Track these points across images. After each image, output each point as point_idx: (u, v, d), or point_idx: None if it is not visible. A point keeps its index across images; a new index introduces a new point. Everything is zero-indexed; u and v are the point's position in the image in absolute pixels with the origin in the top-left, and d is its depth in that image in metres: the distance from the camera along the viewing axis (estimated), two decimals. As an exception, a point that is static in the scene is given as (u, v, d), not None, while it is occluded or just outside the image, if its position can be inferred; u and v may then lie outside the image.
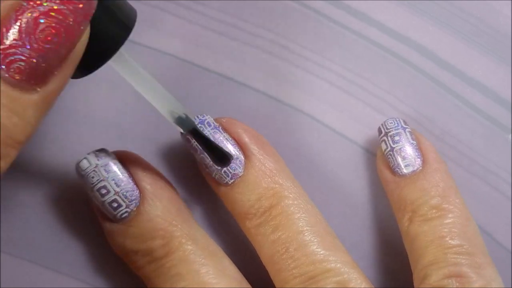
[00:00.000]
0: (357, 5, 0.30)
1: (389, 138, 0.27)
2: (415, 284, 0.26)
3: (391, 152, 0.27)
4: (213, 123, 0.26)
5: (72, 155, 0.29)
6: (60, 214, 0.28)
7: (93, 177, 0.25)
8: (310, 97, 0.30)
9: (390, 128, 0.28)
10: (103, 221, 0.26)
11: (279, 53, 0.30)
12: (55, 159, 0.29)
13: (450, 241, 0.25)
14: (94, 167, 0.25)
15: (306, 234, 0.25)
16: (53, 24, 0.19)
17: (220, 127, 0.26)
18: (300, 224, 0.25)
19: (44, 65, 0.19)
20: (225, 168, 0.25)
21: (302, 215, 0.25)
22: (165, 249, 0.25)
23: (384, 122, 0.28)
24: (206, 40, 0.30)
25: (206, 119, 0.26)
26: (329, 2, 0.30)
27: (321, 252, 0.25)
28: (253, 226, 0.25)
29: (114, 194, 0.25)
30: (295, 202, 0.26)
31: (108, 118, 0.29)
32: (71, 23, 0.19)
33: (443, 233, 0.26)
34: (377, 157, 0.28)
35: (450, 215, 0.26)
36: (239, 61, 0.30)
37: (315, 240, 0.25)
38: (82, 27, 0.20)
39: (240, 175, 0.26)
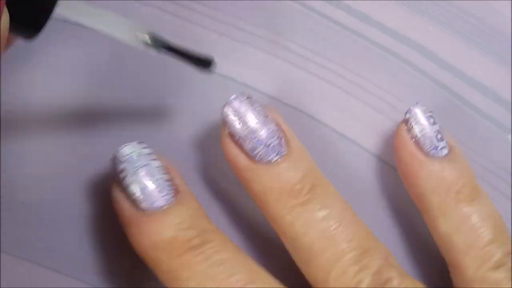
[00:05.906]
0: (357, 5, 0.30)
1: (426, 120, 0.27)
2: (473, 263, 0.26)
3: (430, 134, 0.27)
4: (256, 101, 0.27)
5: (72, 155, 0.29)
6: (60, 214, 0.28)
7: (136, 161, 0.25)
8: (310, 97, 0.30)
9: (425, 109, 0.28)
10: (135, 211, 0.25)
11: (279, 53, 0.30)
12: (55, 159, 0.29)
13: (499, 219, 0.27)
14: (138, 153, 0.25)
15: (352, 211, 0.26)
16: None
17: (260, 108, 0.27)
18: (342, 202, 0.26)
19: None
20: (273, 145, 0.26)
21: (340, 195, 0.27)
22: (202, 238, 0.25)
23: (416, 104, 0.28)
24: (206, 40, 0.30)
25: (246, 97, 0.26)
26: (329, 2, 0.30)
27: (367, 229, 0.26)
28: (299, 202, 0.26)
29: (157, 180, 0.25)
30: (329, 183, 0.27)
31: (107, 117, 0.29)
32: None
33: (493, 212, 0.27)
34: (403, 141, 0.28)
35: (486, 196, 0.27)
36: (239, 61, 0.30)
37: (358, 219, 0.26)
38: None
39: (285, 153, 0.26)
